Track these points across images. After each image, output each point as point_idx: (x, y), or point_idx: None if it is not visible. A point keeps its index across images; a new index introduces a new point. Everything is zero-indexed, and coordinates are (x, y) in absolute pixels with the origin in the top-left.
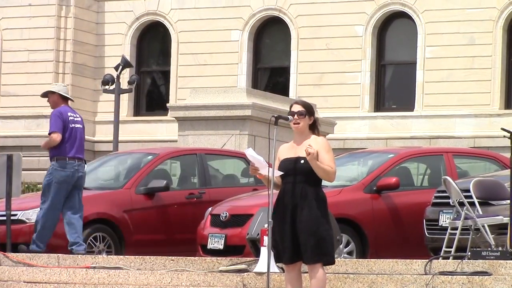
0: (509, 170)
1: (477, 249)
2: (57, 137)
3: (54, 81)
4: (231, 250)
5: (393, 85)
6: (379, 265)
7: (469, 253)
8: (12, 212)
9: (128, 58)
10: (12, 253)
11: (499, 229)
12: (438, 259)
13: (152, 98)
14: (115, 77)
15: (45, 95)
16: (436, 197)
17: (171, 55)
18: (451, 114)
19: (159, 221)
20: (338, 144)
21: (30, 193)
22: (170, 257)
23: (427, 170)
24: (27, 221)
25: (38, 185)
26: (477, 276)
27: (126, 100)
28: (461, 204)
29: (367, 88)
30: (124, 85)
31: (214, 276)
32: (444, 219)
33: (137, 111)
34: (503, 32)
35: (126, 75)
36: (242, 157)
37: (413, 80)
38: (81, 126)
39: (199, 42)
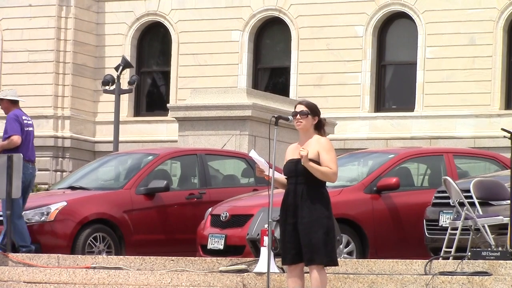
0: (509, 170)
1: (477, 249)
2: (18, 139)
3: (55, 82)
4: (231, 250)
5: (394, 86)
6: (379, 265)
7: (469, 253)
8: None
9: (128, 58)
10: (12, 253)
11: (499, 229)
12: (438, 259)
13: (152, 98)
14: (115, 77)
15: None
16: (436, 197)
17: (171, 55)
18: (451, 115)
19: (159, 222)
20: (338, 145)
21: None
22: (170, 257)
23: (427, 170)
24: (27, 221)
25: (38, 185)
26: (477, 276)
27: (126, 101)
28: (461, 204)
29: (367, 89)
30: (124, 85)
31: (214, 276)
32: (444, 219)
33: (137, 112)
34: (503, 33)
35: (126, 76)
36: (242, 157)
37: (414, 81)
38: (32, 129)
39: (199, 43)
